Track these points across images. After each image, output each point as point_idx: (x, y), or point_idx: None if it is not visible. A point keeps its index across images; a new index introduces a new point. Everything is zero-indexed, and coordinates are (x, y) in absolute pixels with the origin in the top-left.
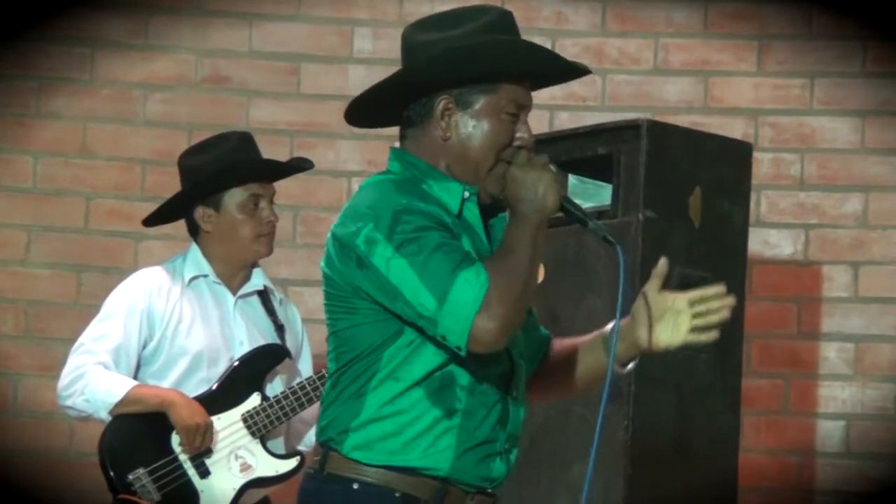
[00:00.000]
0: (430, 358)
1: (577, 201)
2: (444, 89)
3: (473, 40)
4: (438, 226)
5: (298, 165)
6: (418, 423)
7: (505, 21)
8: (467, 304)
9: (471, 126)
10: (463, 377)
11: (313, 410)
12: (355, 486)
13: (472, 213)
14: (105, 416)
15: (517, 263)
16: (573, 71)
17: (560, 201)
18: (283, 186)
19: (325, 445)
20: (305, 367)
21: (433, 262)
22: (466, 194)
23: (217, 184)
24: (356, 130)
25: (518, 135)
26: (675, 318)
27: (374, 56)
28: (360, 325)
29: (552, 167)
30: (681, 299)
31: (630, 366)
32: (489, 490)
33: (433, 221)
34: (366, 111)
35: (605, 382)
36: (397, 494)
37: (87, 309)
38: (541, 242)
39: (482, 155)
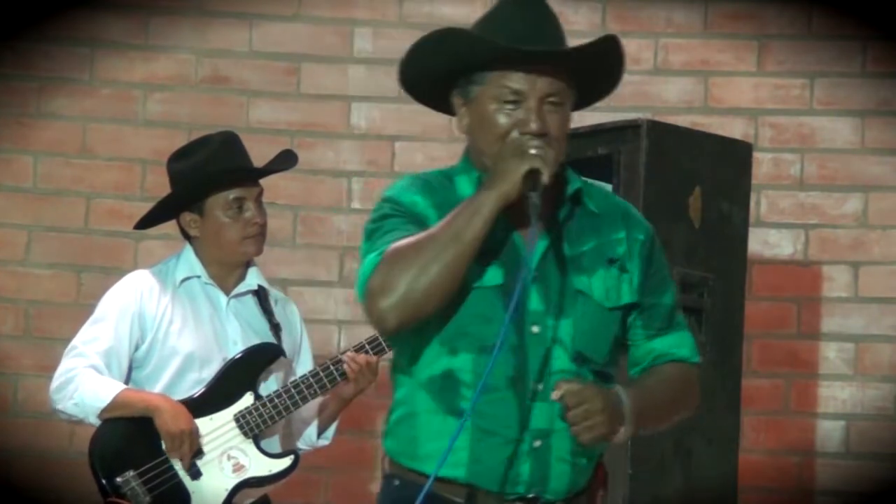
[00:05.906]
0: (427, 354)
1: None
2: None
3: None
4: (403, 214)
5: (279, 167)
6: (428, 426)
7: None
8: (359, 284)
9: (471, 117)
10: (466, 374)
11: (313, 409)
12: (396, 482)
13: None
14: (94, 420)
15: (430, 240)
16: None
17: (516, 192)
18: (282, 186)
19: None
20: (304, 367)
21: (364, 250)
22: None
23: (197, 193)
24: (356, 130)
25: (521, 120)
26: None
27: (374, 56)
28: None
29: (538, 164)
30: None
31: None
32: (531, 495)
33: (399, 210)
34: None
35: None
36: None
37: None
38: (481, 225)
39: (484, 143)
